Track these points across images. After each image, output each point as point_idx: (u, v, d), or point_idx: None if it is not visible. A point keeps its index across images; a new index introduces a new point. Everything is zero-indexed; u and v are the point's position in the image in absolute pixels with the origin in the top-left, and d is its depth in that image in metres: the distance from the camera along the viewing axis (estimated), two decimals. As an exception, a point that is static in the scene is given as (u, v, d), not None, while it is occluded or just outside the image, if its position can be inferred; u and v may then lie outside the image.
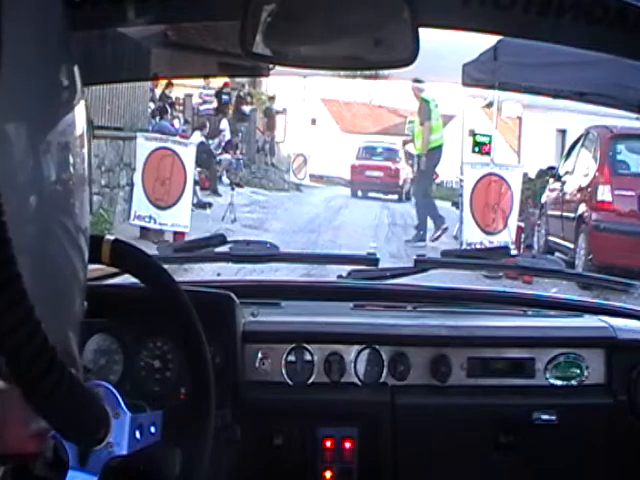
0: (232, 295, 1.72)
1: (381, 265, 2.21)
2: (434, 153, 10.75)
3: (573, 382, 1.82)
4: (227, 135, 16.84)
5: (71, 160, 0.62)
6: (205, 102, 17.64)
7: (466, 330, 1.88)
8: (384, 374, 1.79)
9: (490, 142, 10.52)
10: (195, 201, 11.88)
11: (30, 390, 0.57)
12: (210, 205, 12.76)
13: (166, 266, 1.19)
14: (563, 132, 17.12)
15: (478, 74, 2.24)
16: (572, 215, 9.31)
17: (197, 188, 12.57)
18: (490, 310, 2.05)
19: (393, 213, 14.36)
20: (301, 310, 1.98)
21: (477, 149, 10.45)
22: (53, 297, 0.63)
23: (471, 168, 9.52)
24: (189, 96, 18.11)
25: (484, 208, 9.08)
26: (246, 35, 1.17)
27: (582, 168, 9.62)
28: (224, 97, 17.67)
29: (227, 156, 16.27)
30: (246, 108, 18.78)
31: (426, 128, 10.63)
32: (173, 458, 1.15)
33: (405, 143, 13.57)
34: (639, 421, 1.79)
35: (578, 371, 1.82)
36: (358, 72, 2.02)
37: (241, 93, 18.93)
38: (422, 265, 2.22)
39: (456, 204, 10.76)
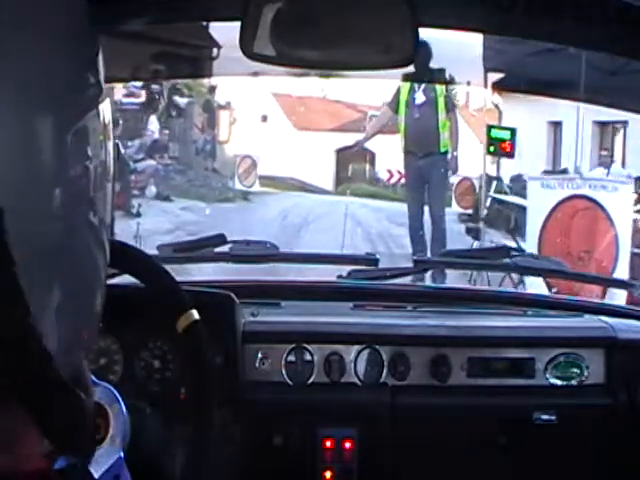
0: (232, 295, 1.72)
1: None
2: (445, 157, 7.54)
3: (573, 382, 1.82)
4: (156, 135, 13.72)
5: (96, 157, 0.62)
6: (132, 94, 14.27)
7: (466, 330, 1.88)
8: (384, 374, 1.79)
9: (512, 138, 7.06)
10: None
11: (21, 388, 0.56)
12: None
13: (166, 266, 1.19)
14: (557, 125, 13.32)
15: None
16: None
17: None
18: (490, 310, 2.05)
19: (369, 235, 9.94)
20: (301, 310, 1.98)
21: (493, 149, 7.24)
22: (75, 299, 0.63)
23: (541, 187, 5.54)
24: (110, 88, 15.33)
25: (566, 259, 4.41)
26: (246, 35, 1.17)
27: None
28: (154, 87, 14.17)
29: (151, 162, 12.77)
30: (181, 101, 14.90)
31: (454, 120, 7.45)
32: (173, 458, 1.15)
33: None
34: (639, 421, 1.79)
35: (578, 371, 1.82)
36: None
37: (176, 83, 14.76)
38: (422, 265, 2.22)
39: (473, 232, 7.44)
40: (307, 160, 21.23)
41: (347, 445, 1.75)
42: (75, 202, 0.60)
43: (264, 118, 23.57)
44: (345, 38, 1.20)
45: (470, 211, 8.81)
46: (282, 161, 20.22)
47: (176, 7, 1.36)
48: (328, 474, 1.75)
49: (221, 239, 2.19)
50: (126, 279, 1.35)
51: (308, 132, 24.12)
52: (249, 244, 2.18)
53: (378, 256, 2.22)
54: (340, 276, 2.21)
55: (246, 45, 1.18)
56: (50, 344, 0.58)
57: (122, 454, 1.05)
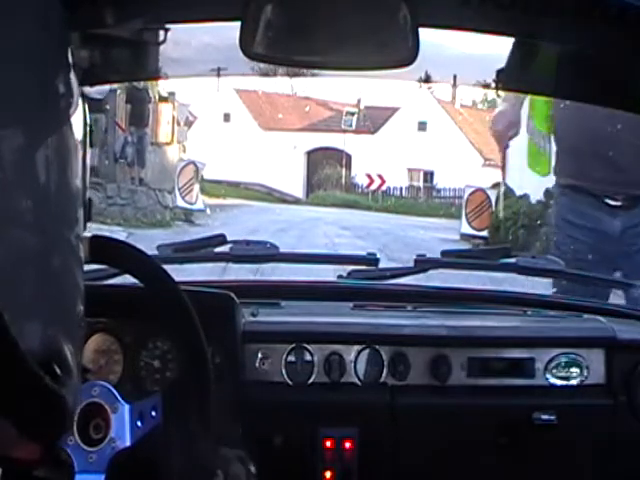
0: (232, 295, 1.72)
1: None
2: None
3: (573, 382, 1.82)
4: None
5: (68, 168, 0.62)
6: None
7: (466, 330, 1.88)
8: (384, 374, 1.79)
9: None
10: None
11: None
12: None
13: (166, 266, 1.19)
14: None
15: None
16: None
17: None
18: (490, 310, 2.05)
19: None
20: (301, 310, 1.98)
21: None
22: (54, 308, 0.63)
23: None
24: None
25: None
26: (246, 35, 1.17)
27: None
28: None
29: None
30: (98, 89, 9.41)
31: None
32: (173, 457, 1.15)
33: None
34: (639, 422, 1.79)
35: (578, 371, 1.82)
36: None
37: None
38: (422, 265, 2.22)
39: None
40: (274, 164, 19.30)
41: (347, 445, 1.75)
42: (48, 215, 0.60)
43: (226, 117, 21.32)
44: (345, 38, 1.20)
45: (484, 233, 6.71)
46: (247, 165, 18.20)
47: (176, 7, 1.36)
48: (328, 474, 1.75)
49: (221, 239, 2.19)
50: (126, 279, 1.35)
51: (275, 132, 21.89)
52: (249, 244, 2.18)
53: (378, 255, 2.22)
54: (340, 276, 2.21)
55: (246, 45, 1.18)
56: (29, 340, 0.58)
57: (129, 443, 1.05)
